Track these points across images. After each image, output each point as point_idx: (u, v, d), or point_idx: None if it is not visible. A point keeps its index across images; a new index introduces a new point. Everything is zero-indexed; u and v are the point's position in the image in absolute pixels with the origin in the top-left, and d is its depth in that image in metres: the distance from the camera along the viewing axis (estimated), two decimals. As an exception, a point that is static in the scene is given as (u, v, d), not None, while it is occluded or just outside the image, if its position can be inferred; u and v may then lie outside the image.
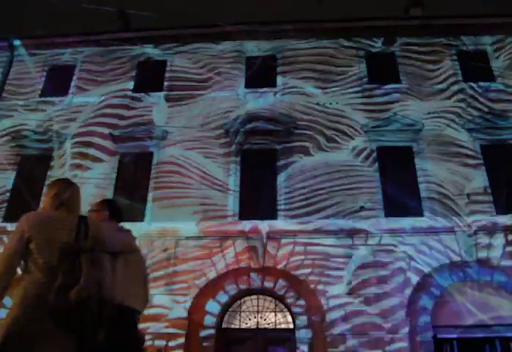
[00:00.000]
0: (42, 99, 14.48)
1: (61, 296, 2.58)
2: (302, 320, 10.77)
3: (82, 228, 2.85)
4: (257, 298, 11.41)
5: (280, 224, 11.63)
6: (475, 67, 13.60)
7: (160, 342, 10.28)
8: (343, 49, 14.47)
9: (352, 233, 11.31)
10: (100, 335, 2.82)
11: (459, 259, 10.84)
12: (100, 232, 3.07)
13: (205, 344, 10.59)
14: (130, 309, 3.48)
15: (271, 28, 14.85)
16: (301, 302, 10.94)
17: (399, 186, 11.81)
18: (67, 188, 3.08)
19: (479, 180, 11.87)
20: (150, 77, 14.61)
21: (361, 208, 11.55)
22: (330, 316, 10.46)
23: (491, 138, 12.50)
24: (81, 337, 2.69)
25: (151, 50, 15.14)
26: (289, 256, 11.25)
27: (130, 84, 14.52)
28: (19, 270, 2.79)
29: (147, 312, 10.53)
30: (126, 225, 12.55)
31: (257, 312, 11.28)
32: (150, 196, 12.38)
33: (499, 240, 10.97)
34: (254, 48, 14.79)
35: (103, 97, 14.24)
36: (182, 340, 10.47)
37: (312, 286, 10.89)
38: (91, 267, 2.75)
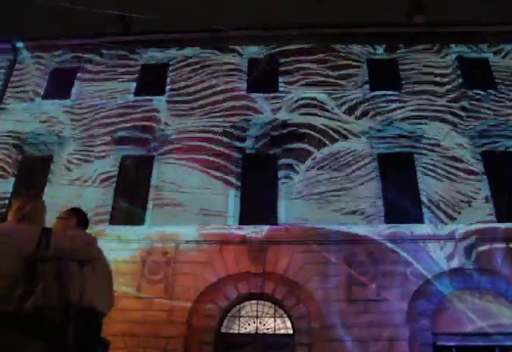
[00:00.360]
0: (44, 101, 14.49)
1: (21, 305, 2.68)
2: (301, 325, 10.75)
3: (44, 238, 2.97)
4: (257, 303, 11.38)
5: (280, 229, 11.61)
6: (477, 75, 13.64)
7: (158, 346, 10.29)
8: (345, 55, 14.49)
9: (352, 239, 11.29)
10: (69, 339, 2.93)
11: (459, 266, 10.83)
12: (65, 242, 3.21)
13: (203, 348, 10.57)
14: (97, 311, 3.64)
15: (273, 33, 14.89)
16: (301, 307, 10.93)
17: (400, 193, 11.81)
18: (29, 202, 3.31)
19: (480, 187, 11.87)
20: (151, 80, 14.62)
21: (362, 214, 11.59)
22: (329, 322, 10.42)
23: (492, 145, 12.50)
24: (50, 342, 2.79)
25: (153, 54, 15.17)
26: (289, 261, 11.23)
27: (132, 87, 14.53)
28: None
29: (146, 315, 10.55)
30: (127, 228, 12.50)
31: (257, 317, 11.24)
32: (151, 199, 12.36)
33: (499, 247, 10.95)
34: (256, 52, 14.82)
35: (104, 100, 14.25)
36: (181, 344, 10.44)
37: (312, 291, 10.87)
38: (54, 275, 2.89)
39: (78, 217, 4.06)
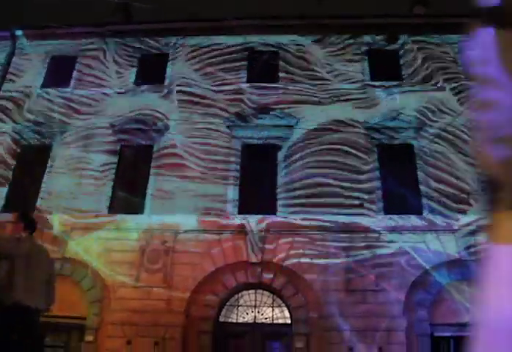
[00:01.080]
0: (44, 90, 14.41)
1: None
2: (300, 315, 10.80)
3: None
4: (255, 293, 11.43)
5: (279, 218, 11.63)
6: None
7: (157, 335, 10.34)
8: (346, 45, 14.40)
9: (351, 229, 11.30)
10: None
11: (458, 257, 10.85)
12: None
13: (202, 337, 10.63)
14: (28, 307, 3.71)
15: (274, 24, 14.79)
16: (299, 297, 10.97)
17: (399, 184, 11.80)
18: None
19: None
20: (151, 69, 14.53)
21: (361, 205, 11.58)
22: (328, 312, 10.47)
23: (493, 137, 12.46)
24: None
25: (153, 43, 15.06)
26: (287, 251, 11.25)
27: (132, 76, 14.45)
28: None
29: (145, 304, 10.58)
30: (126, 218, 12.45)
31: (255, 306, 11.29)
32: (150, 188, 12.36)
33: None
34: (257, 42, 14.73)
35: (104, 89, 14.18)
36: (179, 333, 10.50)
37: (310, 281, 10.90)
38: None
39: (24, 221, 4.21)
